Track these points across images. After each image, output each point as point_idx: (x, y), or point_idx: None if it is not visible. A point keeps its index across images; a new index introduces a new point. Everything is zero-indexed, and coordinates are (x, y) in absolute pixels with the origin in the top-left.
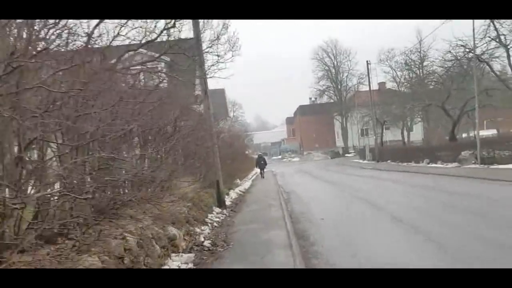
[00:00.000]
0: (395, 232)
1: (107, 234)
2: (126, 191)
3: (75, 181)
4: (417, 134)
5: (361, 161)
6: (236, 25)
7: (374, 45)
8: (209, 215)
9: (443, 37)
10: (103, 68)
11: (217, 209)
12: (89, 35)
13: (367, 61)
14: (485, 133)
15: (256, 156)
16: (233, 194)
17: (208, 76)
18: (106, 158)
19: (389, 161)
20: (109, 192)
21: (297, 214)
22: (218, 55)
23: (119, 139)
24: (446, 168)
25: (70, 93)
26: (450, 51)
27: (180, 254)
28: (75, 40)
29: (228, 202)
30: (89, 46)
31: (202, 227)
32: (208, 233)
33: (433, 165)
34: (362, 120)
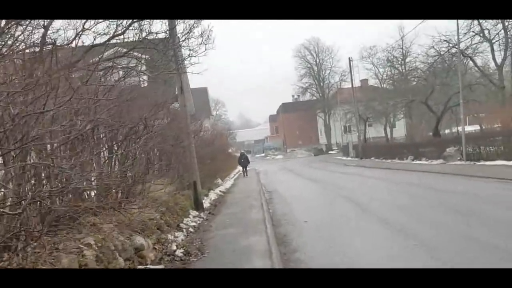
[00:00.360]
0: (383, 235)
1: (62, 248)
2: (93, 196)
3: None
4: (400, 130)
5: (344, 158)
6: (215, 22)
7: (356, 42)
8: (185, 220)
9: (426, 33)
10: (64, 66)
11: (194, 212)
12: (44, 32)
13: (349, 58)
14: (468, 128)
15: (239, 155)
16: (212, 195)
17: (181, 72)
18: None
19: (372, 158)
20: (65, 200)
21: (279, 216)
22: (191, 50)
23: (77, 141)
24: (431, 165)
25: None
26: (433, 47)
27: (148, 266)
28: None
29: (206, 204)
30: (45, 43)
31: (176, 234)
32: (182, 240)
33: (418, 161)
34: (345, 117)
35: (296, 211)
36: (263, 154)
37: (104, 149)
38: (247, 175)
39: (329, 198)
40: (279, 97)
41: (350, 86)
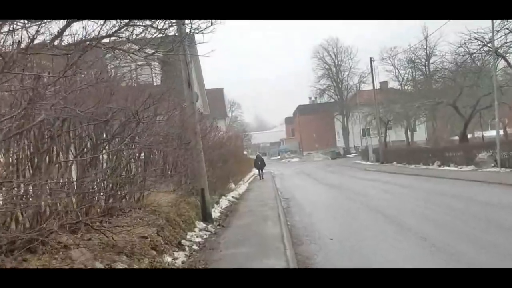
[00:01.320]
0: (431, 261)
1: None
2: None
3: None
4: (420, 134)
5: (363, 162)
6: (230, 23)
7: (376, 43)
8: (189, 234)
9: (454, 31)
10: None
11: (201, 225)
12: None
13: (370, 58)
14: (490, 133)
15: (254, 157)
16: (224, 202)
17: (186, 53)
18: None
19: (394, 163)
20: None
21: (299, 231)
22: (196, 29)
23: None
24: (461, 171)
25: None
26: (462, 45)
27: None
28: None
29: (216, 213)
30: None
31: (176, 254)
32: (183, 263)
33: (446, 168)
34: (365, 119)
35: (318, 224)
36: (278, 157)
37: (83, 149)
38: (262, 178)
39: (354, 209)
40: (295, 99)
41: (369, 88)
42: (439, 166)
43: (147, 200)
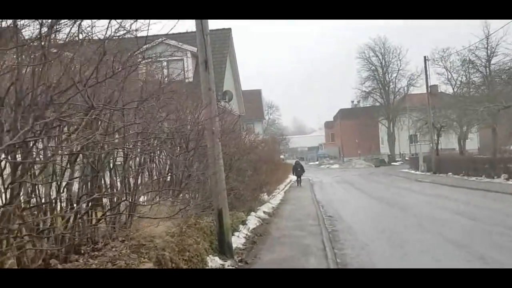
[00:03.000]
0: None
1: None
2: None
3: None
4: (471, 142)
5: (413, 171)
6: (268, 21)
7: (425, 42)
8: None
9: None
10: None
11: (215, 261)
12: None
13: (424, 57)
14: None
15: (293, 162)
16: (252, 220)
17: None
18: None
19: (449, 173)
20: None
21: None
22: None
23: None
24: None
25: None
26: None
27: None
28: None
29: (240, 239)
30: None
31: None
32: None
33: None
34: (415, 125)
35: (383, 264)
36: (317, 162)
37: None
38: (300, 185)
39: (427, 239)
40: (336, 103)
41: (418, 92)
42: (507, 179)
43: (139, 225)
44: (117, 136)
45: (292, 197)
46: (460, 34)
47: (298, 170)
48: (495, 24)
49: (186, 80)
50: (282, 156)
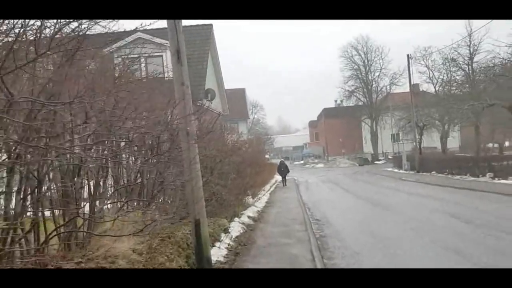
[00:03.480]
0: None
1: None
2: None
3: None
4: (454, 140)
5: (396, 170)
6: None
7: (407, 41)
8: None
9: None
10: None
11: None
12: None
13: (408, 55)
14: None
15: (277, 161)
16: (236, 227)
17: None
18: None
19: (433, 172)
20: None
21: None
22: None
23: None
24: None
25: None
26: None
27: None
28: None
29: (221, 251)
30: None
31: None
32: None
33: (503, 181)
34: (398, 124)
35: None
36: (302, 162)
37: None
38: (286, 185)
39: (427, 251)
40: (320, 102)
41: (400, 90)
42: (492, 178)
43: (100, 243)
44: (68, 138)
45: (277, 199)
46: (440, 32)
47: (282, 170)
48: (477, 22)
49: (166, 78)
50: (267, 156)
